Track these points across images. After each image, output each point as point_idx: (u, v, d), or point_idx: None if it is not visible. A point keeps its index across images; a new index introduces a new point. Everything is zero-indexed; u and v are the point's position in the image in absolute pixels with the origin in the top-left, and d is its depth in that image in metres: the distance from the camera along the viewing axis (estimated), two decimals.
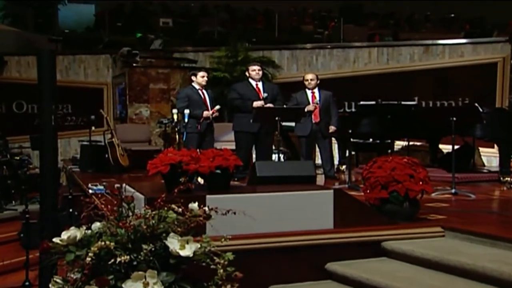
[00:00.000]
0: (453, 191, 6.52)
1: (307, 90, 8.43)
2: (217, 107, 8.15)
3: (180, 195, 3.29)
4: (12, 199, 8.56)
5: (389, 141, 9.82)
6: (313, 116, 8.25)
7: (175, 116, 7.99)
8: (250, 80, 8.30)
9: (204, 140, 8.15)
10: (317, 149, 8.92)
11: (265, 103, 8.02)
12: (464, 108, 9.10)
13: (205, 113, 8.09)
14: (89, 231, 3.11)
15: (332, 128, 8.32)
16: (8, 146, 10.58)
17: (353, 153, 10.00)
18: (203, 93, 8.30)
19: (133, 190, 4.19)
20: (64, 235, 3.05)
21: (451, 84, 11.44)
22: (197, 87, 8.29)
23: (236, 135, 8.29)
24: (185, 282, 2.99)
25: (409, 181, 4.67)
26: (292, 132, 8.99)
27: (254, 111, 7.76)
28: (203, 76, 8.33)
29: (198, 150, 4.79)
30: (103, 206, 3.17)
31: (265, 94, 8.01)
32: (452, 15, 19.54)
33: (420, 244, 4.31)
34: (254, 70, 8.27)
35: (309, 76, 8.50)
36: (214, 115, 8.20)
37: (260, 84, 8.28)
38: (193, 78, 8.40)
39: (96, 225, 3.15)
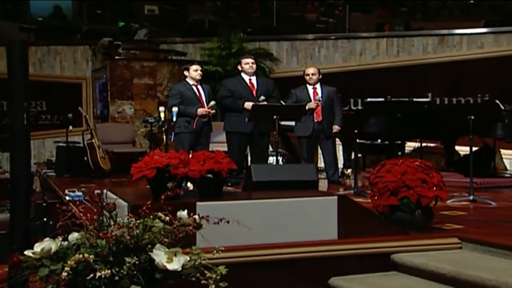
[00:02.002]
0: (471, 198, 6.53)
1: (308, 85, 8.44)
2: (212, 103, 8.10)
3: (168, 202, 3.29)
4: None
5: (400, 142, 9.82)
6: (315, 114, 8.26)
7: (162, 115, 7.97)
8: (243, 74, 8.29)
9: (199, 141, 8.10)
10: (320, 151, 8.92)
11: None
12: (484, 106, 9.11)
13: (200, 111, 8.04)
14: (66, 243, 3.11)
15: (336, 128, 8.33)
16: None
17: (359, 155, 10.00)
18: (197, 89, 8.26)
19: (115, 197, 4.18)
20: (37, 247, 3.04)
21: (469, 79, 11.45)
22: (190, 82, 8.25)
23: (227, 136, 8.29)
24: None
25: (421, 187, 4.68)
26: (292, 132, 8.99)
27: (250, 109, 7.75)
28: (196, 70, 8.27)
29: (189, 152, 4.78)
30: (81, 214, 3.17)
31: (262, 97, 7.97)
32: (471, 1, 19.52)
33: (434, 257, 4.31)
34: (248, 63, 8.26)
35: (311, 70, 8.50)
36: (210, 113, 8.13)
37: (254, 79, 8.28)
38: (185, 73, 8.34)
39: (74, 236, 3.14)
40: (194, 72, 8.25)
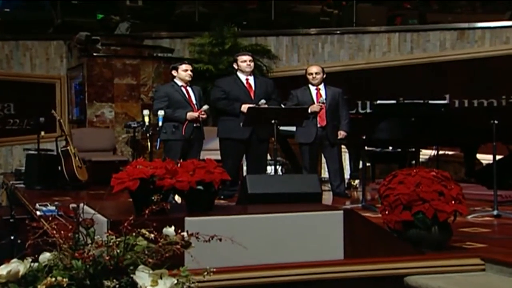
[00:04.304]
0: (495, 212, 6.53)
1: (310, 86, 8.45)
2: (205, 107, 8.11)
3: (152, 217, 3.29)
4: None
5: (413, 149, 9.84)
6: (318, 118, 8.26)
7: (146, 119, 7.97)
8: (239, 73, 8.30)
9: (190, 149, 8.08)
10: (323, 160, 8.93)
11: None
12: (509, 108, 9.13)
13: (190, 115, 8.03)
14: (36, 264, 3.10)
15: (341, 134, 8.34)
16: None
17: (368, 164, 10.01)
18: (187, 90, 8.25)
19: (93, 212, 4.17)
20: (3, 269, 3.03)
21: (493, 78, 11.45)
22: (179, 83, 8.24)
23: (221, 143, 8.29)
24: None
25: (438, 200, 4.68)
26: (292, 138, 9.00)
27: (246, 112, 7.74)
28: (186, 70, 8.25)
29: (179, 161, 4.79)
30: (54, 231, 3.16)
31: (263, 101, 7.96)
32: None
33: (453, 280, 4.31)
34: (245, 61, 8.26)
35: (314, 69, 8.51)
36: (201, 117, 8.12)
37: (251, 79, 8.28)
38: (174, 73, 8.32)
39: (45, 256, 3.13)
40: (183, 72, 8.23)
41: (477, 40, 11.74)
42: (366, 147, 8.26)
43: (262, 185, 5.14)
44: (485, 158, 9.72)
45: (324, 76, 8.50)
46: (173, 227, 3.30)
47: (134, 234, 3.15)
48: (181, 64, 8.37)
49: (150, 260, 3.07)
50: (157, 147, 7.95)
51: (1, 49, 12.66)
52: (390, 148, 9.93)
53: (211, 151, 8.72)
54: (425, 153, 10.65)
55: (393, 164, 9.98)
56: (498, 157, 6.98)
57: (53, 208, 6.68)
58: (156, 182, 4.25)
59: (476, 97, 11.54)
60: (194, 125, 8.09)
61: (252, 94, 8.16)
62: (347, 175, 9.79)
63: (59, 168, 9.47)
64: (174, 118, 7.98)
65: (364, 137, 7.82)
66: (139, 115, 10.78)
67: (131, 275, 3.00)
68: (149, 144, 7.94)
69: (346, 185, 8.99)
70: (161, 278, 2.99)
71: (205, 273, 3.19)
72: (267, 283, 4.14)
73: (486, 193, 7.62)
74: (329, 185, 8.56)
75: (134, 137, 10.62)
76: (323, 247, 4.46)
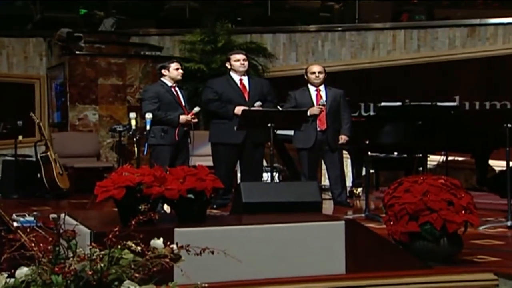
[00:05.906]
0: (509, 223, 6.55)
1: (310, 87, 8.45)
2: (196, 109, 8.09)
3: (139, 228, 3.29)
4: None
5: (420, 155, 9.84)
6: (318, 122, 8.27)
7: (133, 122, 7.95)
8: (232, 73, 8.30)
9: (179, 154, 8.06)
10: (324, 166, 8.92)
11: None
12: None
13: (183, 118, 8.02)
14: (12, 280, 3.09)
15: (343, 138, 8.34)
16: None
17: (371, 171, 10.01)
18: (176, 91, 8.24)
19: (75, 222, 4.17)
20: None
21: (506, 79, 11.46)
22: (169, 83, 8.23)
23: (213, 148, 8.29)
24: None
25: (447, 210, 4.68)
26: (290, 143, 9.00)
27: (240, 115, 7.74)
28: (177, 68, 8.23)
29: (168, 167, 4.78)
30: (32, 244, 3.15)
31: (258, 103, 7.97)
32: None
33: None
34: (238, 60, 8.27)
35: (316, 69, 8.51)
36: (193, 121, 8.09)
37: (245, 80, 8.29)
38: (164, 72, 8.30)
39: (22, 271, 3.12)
40: (175, 71, 8.21)
41: (489, 37, 11.74)
42: (369, 153, 8.26)
43: (258, 193, 5.14)
44: (498, 165, 9.73)
45: (325, 76, 8.51)
46: (161, 239, 3.30)
47: (119, 246, 3.15)
48: (171, 63, 8.35)
49: (137, 275, 3.06)
50: (145, 152, 7.93)
51: None
52: (395, 153, 9.93)
53: (203, 156, 8.72)
54: (433, 159, 10.65)
55: (398, 171, 9.98)
56: None
57: (32, 218, 6.65)
58: (144, 190, 4.25)
59: (488, 99, 11.52)
60: (185, 128, 8.08)
61: (246, 96, 8.17)
62: (349, 182, 9.78)
63: (38, 175, 9.45)
64: (166, 121, 7.96)
65: (367, 142, 7.82)
66: (125, 118, 10.76)
67: None
68: (136, 149, 7.92)
69: (348, 194, 8.99)
70: None
71: None
72: None
73: (499, 202, 7.63)
74: (330, 194, 8.57)
75: (119, 142, 10.59)
76: (323, 260, 4.46)
